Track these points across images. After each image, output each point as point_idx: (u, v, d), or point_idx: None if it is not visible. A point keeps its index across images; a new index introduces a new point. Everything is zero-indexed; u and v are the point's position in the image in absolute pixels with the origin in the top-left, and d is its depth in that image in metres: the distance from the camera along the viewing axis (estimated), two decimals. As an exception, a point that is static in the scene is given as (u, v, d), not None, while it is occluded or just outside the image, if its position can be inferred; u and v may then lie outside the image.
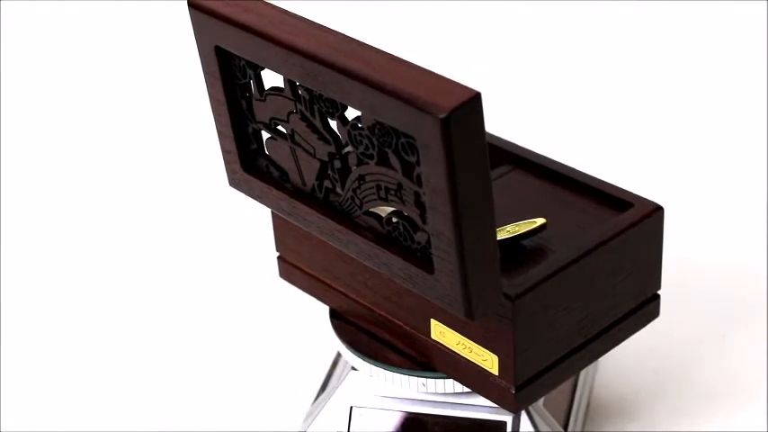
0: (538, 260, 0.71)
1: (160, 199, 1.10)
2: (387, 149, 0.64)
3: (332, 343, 0.79)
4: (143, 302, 0.97)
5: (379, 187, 0.67)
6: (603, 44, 1.27)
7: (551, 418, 0.76)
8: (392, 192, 0.66)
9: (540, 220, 0.72)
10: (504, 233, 0.71)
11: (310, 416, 0.79)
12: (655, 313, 0.76)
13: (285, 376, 0.89)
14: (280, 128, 0.71)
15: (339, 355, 0.85)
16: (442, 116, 0.58)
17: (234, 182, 0.76)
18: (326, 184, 0.70)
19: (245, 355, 0.91)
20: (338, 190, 0.70)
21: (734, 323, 0.90)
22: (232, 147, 0.74)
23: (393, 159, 0.64)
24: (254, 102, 0.71)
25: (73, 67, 1.32)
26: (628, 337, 0.75)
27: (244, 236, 1.04)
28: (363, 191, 0.68)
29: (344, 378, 0.77)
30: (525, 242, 0.72)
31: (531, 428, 0.74)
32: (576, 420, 0.80)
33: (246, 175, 0.75)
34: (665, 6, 1.31)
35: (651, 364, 0.86)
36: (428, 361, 0.74)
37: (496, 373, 0.70)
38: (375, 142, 0.65)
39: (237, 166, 0.75)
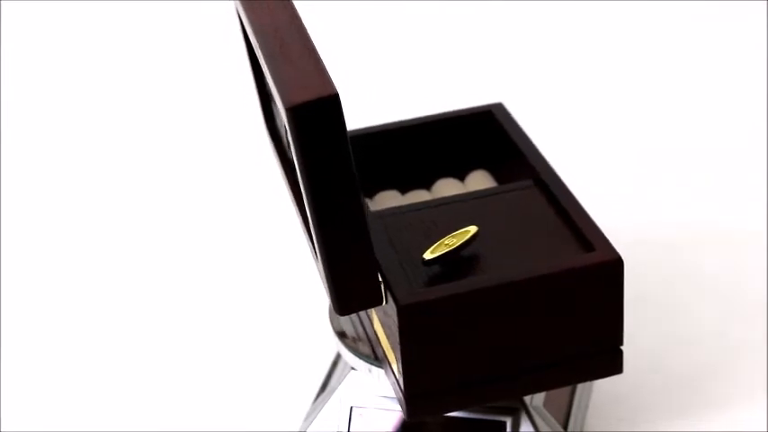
0: (461, 277, 0.68)
1: (157, 202, 1.10)
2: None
3: (331, 343, 0.79)
4: (143, 303, 0.97)
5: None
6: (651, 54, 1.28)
7: (551, 418, 0.76)
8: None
9: (473, 229, 0.70)
10: (443, 247, 0.70)
11: (310, 416, 0.80)
12: (615, 369, 0.71)
13: (285, 376, 0.89)
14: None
15: (339, 355, 0.85)
16: (288, 107, 0.60)
17: (268, 135, 0.79)
18: (290, 155, 0.71)
19: (245, 354, 0.91)
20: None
21: (734, 323, 0.90)
22: (259, 103, 0.77)
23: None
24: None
25: (77, 62, 1.32)
26: (570, 384, 0.72)
27: (243, 236, 1.04)
28: (298, 167, 0.69)
29: (344, 378, 0.77)
30: (469, 255, 0.70)
31: (531, 428, 0.74)
32: (576, 420, 0.80)
33: (268, 132, 0.77)
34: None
35: (651, 365, 0.86)
36: (374, 352, 0.74)
37: (398, 377, 0.69)
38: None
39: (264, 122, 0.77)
